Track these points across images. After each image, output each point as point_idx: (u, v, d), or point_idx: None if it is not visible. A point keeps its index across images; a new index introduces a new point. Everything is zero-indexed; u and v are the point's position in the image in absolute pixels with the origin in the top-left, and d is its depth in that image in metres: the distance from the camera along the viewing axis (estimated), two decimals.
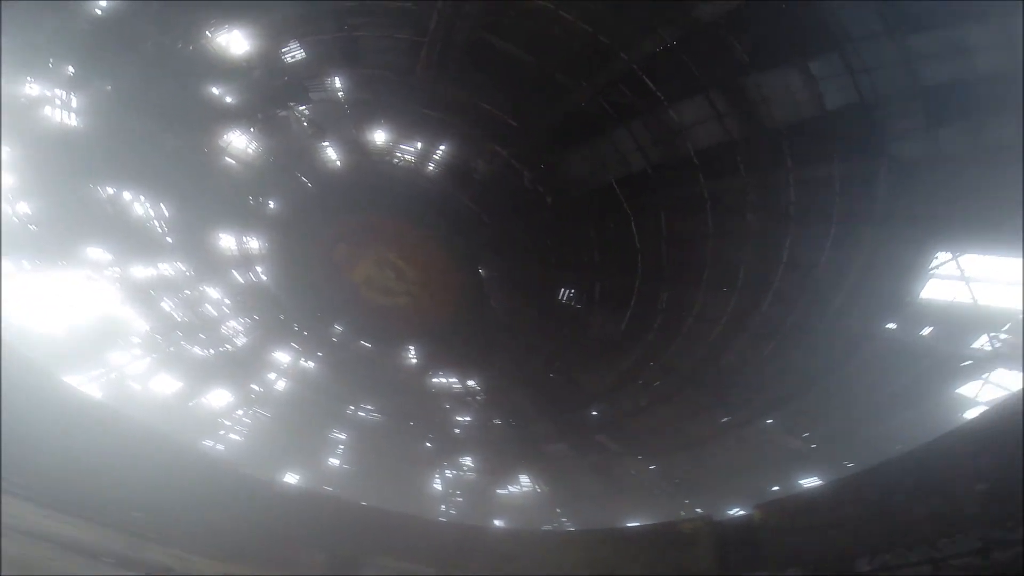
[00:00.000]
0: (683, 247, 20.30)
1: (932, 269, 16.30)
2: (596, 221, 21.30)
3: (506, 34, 17.26)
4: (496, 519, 32.86)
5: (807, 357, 20.60)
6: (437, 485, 36.08)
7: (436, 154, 22.32)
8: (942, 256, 15.92)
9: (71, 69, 18.80)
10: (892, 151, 15.05)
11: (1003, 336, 15.35)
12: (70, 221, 24.14)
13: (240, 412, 34.75)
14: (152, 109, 20.08)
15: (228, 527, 19.79)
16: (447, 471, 35.98)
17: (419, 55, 18.21)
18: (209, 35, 18.23)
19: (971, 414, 16.03)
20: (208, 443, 32.74)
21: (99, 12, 17.29)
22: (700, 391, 24.51)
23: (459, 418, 34.03)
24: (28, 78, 18.66)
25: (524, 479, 33.84)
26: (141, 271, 28.11)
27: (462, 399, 32.98)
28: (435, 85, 19.09)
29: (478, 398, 32.24)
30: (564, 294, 24.75)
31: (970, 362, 16.34)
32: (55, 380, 21.81)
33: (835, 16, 13.27)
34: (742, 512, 19.82)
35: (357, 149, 23.21)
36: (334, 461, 36.10)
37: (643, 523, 24.80)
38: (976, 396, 16.78)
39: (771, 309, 19.83)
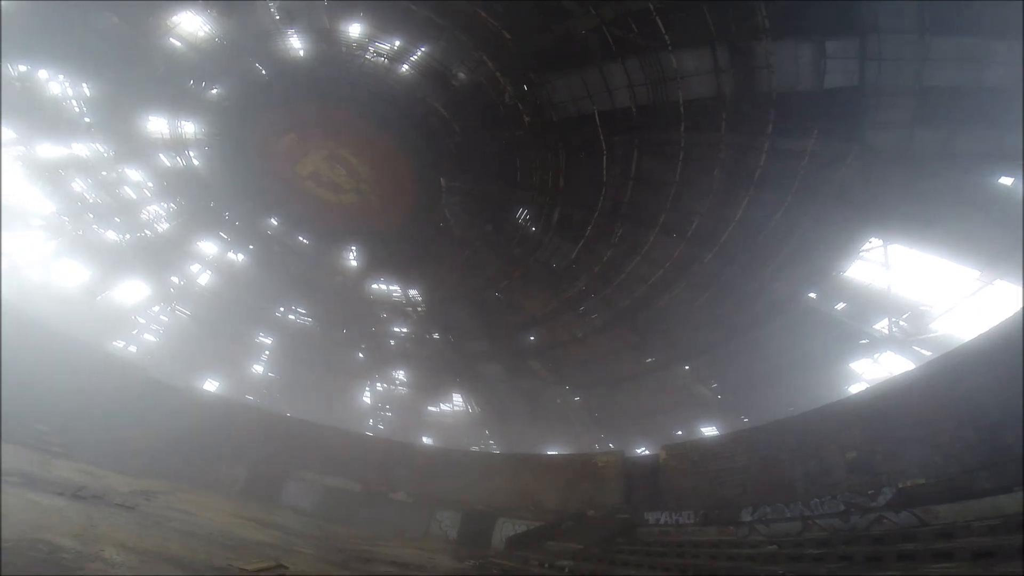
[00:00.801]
0: (647, 189, 20.74)
1: (862, 251, 18.13)
2: (569, 149, 20.96)
3: None
4: (425, 436, 34.34)
5: (734, 312, 22.49)
6: (367, 398, 36.95)
7: (415, 55, 20.39)
8: (874, 241, 17.69)
9: None
10: (868, 138, 16.04)
11: (901, 323, 17.50)
12: None
13: (157, 308, 33.15)
14: None
15: (141, 440, 19.85)
16: (378, 384, 36.91)
17: None
18: None
19: (855, 388, 18.48)
20: (119, 344, 31.37)
21: None
22: (631, 330, 26.18)
23: (396, 329, 34.24)
24: None
25: (456, 398, 35.36)
26: (50, 150, 25.01)
27: (401, 309, 33.02)
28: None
29: (419, 309, 32.48)
30: (521, 214, 24.66)
31: (867, 341, 18.58)
32: None
33: (873, 6, 13.61)
34: (648, 452, 22.59)
35: (327, 39, 20.67)
36: (258, 368, 35.76)
37: (562, 452, 27.33)
38: (863, 373, 19.29)
39: (713, 261, 21.10)
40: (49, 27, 19.36)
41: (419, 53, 20.66)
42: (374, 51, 21.20)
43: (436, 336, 33.65)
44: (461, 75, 20.72)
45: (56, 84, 22.76)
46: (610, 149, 20.07)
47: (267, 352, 35.50)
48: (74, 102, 23.74)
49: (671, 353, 25.68)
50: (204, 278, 32.83)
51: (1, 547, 3.55)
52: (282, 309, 34.46)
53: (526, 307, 28.79)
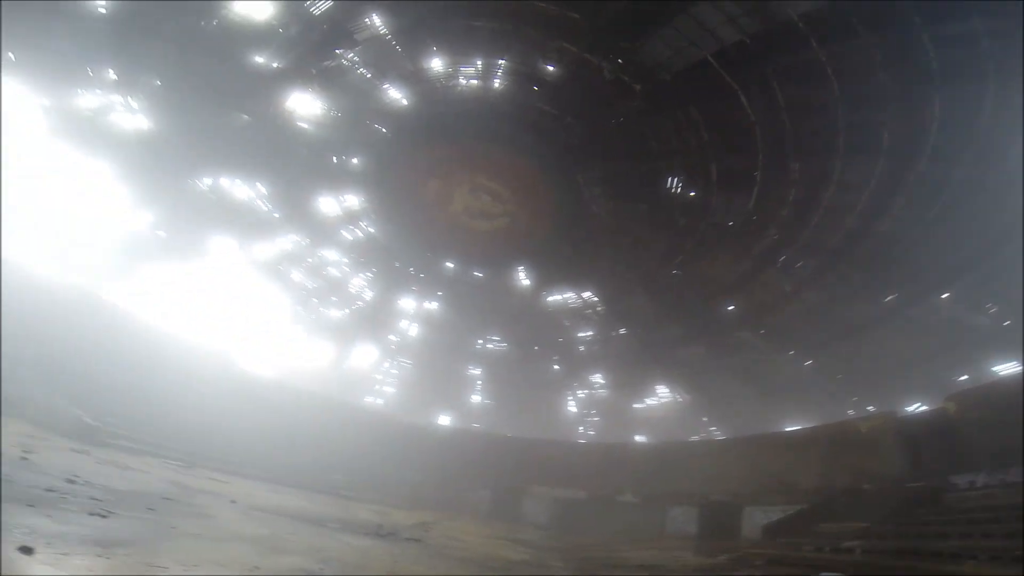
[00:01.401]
0: (807, 115, 18.28)
1: None
2: (697, 100, 19.45)
3: None
4: (637, 435, 33.65)
5: (982, 218, 17.97)
6: (571, 407, 38.14)
7: (498, 66, 21.31)
8: None
9: (112, 73, 20.27)
10: None
11: None
12: (187, 218, 27.69)
13: (386, 365, 39.43)
14: (206, 91, 21.36)
15: (403, 476, 23.40)
16: (579, 391, 37.93)
17: None
18: (227, 7, 18.53)
19: None
20: (369, 399, 37.99)
21: (102, 10, 18.10)
22: (854, 268, 22.51)
23: (581, 334, 35.12)
24: (77, 89, 20.45)
25: (661, 389, 34.47)
26: (264, 249, 31.81)
27: (581, 314, 33.66)
28: None
29: (598, 310, 32.63)
30: (673, 183, 23.28)
31: None
32: (235, 366, 26.28)
33: None
34: (927, 407, 18.73)
35: (418, 81, 22.84)
36: (476, 397, 39.70)
37: (807, 426, 24.52)
38: None
39: (931, 167, 17.39)
40: (200, 137, 23.76)
41: (502, 63, 21.30)
42: (463, 77, 22.53)
43: (623, 331, 33.40)
44: (549, 68, 20.70)
45: (238, 188, 28.18)
46: (743, 87, 18.08)
47: (479, 382, 39.37)
48: (259, 202, 29.29)
49: (916, 284, 21.44)
50: (413, 330, 38.06)
51: None
52: (480, 341, 37.88)
53: (713, 276, 26.81)
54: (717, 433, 31.11)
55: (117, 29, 18.46)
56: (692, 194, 23.27)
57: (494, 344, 38.12)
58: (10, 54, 17.77)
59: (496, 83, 22.11)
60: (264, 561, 4.70)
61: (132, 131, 22.30)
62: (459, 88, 22.72)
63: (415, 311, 37.16)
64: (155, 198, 25.35)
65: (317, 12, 18.75)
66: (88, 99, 21.24)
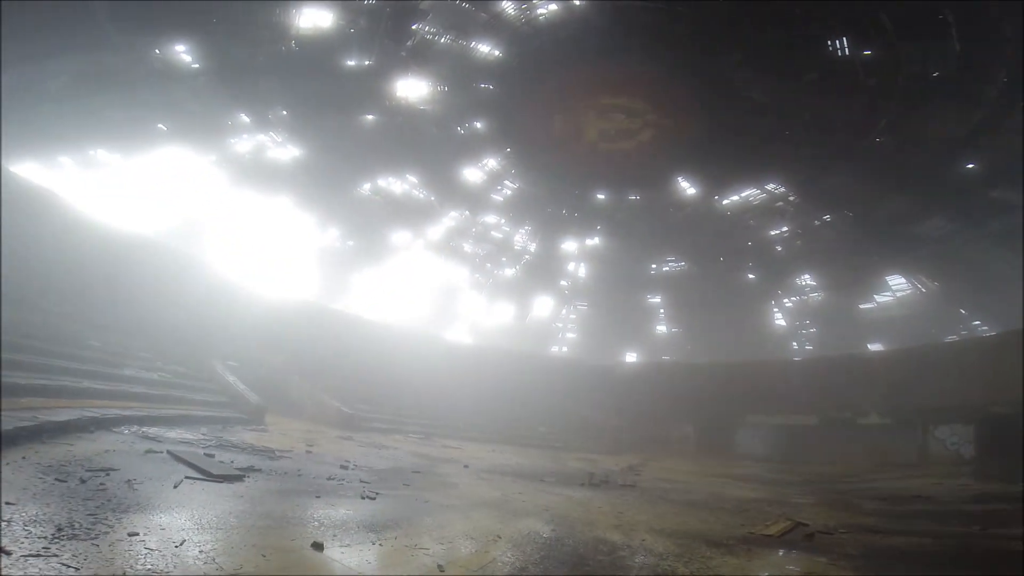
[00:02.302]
0: None
1: None
2: None
3: None
4: (869, 342, 29.05)
5: None
6: (779, 320, 34.80)
7: None
8: None
9: (243, 116, 23.70)
10: None
11: None
12: (362, 222, 31.57)
13: (564, 311, 40.81)
14: (325, 106, 23.92)
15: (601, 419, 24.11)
16: (785, 300, 34.36)
17: None
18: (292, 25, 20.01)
19: None
20: (555, 348, 39.96)
21: (191, 62, 20.33)
22: None
23: (774, 232, 31.35)
24: (228, 139, 24.41)
25: (895, 281, 29.46)
26: (435, 232, 34.92)
27: (769, 209, 30.01)
28: None
29: (790, 199, 28.74)
30: (841, 42, 18.89)
31: None
32: (442, 341, 29.70)
33: None
34: None
35: (500, 28, 21.93)
36: (661, 328, 38.75)
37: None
38: None
39: None
40: (345, 146, 26.18)
41: None
42: (541, 6, 20.77)
43: (828, 218, 29.03)
44: None
45: (392, 184, 31.34)
46: None
47: (661, 310, 38.25)
48: (415, 192, 32.16)
49: None
50: (581, 270, 38.45)
51: (574, 550, 4.75)
52: (654, 266, 36.53)
53: (937, 135, 21.46)
54: (983, 328, 25.72)
55: (220, 78, 21.20)
56: (870, 51, 18.67)
57: (670, 266, 36.36)
58: (161, 125, 21.78)
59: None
60: (505, 528, 5.25)
61: (290, 161, 26.14)
62: (542, 18, 21.44)
63: (579, 252, 37.31)
64: (333, 213, 29.58)
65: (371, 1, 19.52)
66: (241, 144, 25.28)
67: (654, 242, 34.63)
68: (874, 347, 28.15)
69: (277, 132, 25.31)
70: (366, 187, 30.28)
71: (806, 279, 32.62)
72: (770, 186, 28.85)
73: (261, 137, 25.57)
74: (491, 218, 35.32)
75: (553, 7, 21.11)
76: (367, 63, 22.03)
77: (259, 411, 13.83)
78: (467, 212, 34.25)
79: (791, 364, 25.28)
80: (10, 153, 16.67)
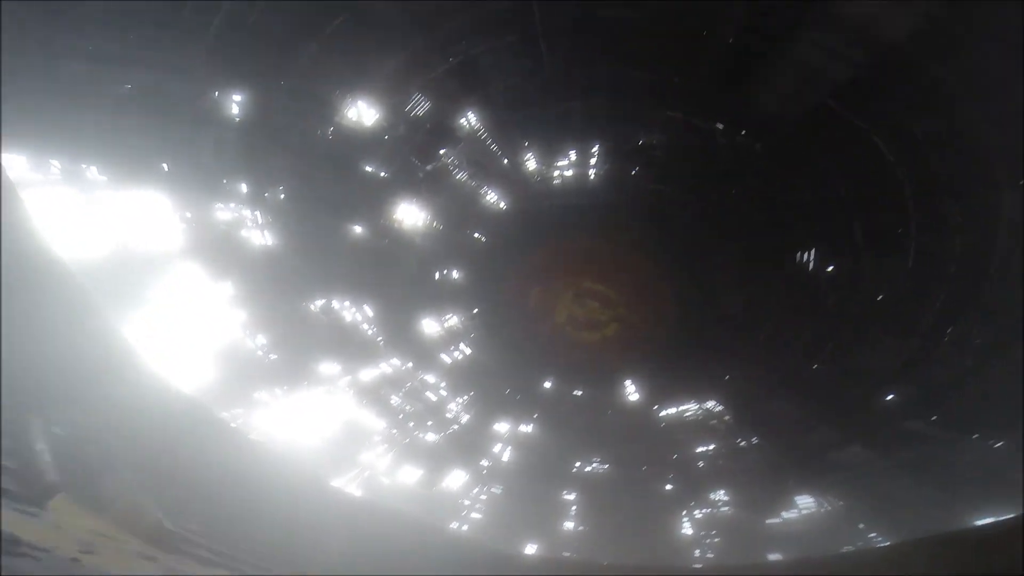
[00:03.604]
0: (952, 147, 15.69)
1: None
2: (826, 150, 17.32)
3: None
4: (771, 553, 26.54)
5: None
6: (687, 529, 31.24)
7: (598, 149, 20.39)
8: None
9: (243, 187, 20.76)
10: None
11: None
12: (299, 341, 26.97)
13: (476, 490, 34.85)
14: (324, 202, 21.81)
15: None
16: (696, 511, 31.08)
17: (535, 53, 17.29)
18: (341, 111, 19.28)
19: None
20: (454, 525, 33.04)
21: (236, 113, 18.68)
22: None
23: (701, 448, 29.52)
24: (217, 204, 20.73)
25: (803, 500, 27.37)
26: (368, 374, 30.33)
27: (703, 425, 28.60)
28: (568, 72, 17.65)
29: (725, 419, 27.37)
30: (810, 255, 19.85)
31: None
32: (325, 485, 23.05)
33: None
34: None
35: (515, 181, 22.42)
36: (568, 524, 33.79)
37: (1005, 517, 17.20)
38: None
39: None
40: (315, 254, 23.29)
41: (602, 145, 20.20)
42: (561, 167, 21.54)
43: (755, 441, 27.59)
44: (657, 141, 19.45)
45: (346, 311, 27.52)
46: (873, 127, 15.93)
47: (574, 507, 33.54)
48: (364, 325, 28.46)
49: None
50: (506, 455, 33.72)
51: None
52: (579, 463, 32.80)
53: (870, 365, 21.88)
54: (877, 539, 23.65)
55: (249, 138, 19.33)
56: (833, 267, 19.90)
57: (593, 466, 32.85)
58: (164, 165, 18.72)
59: (594, 170, 21.13)
60: None
61: (258, 248, 22.64)
62: (557, 181, 21.93)
63: (508, 434, 33.40)
64: (272, 321, 25.03)
65: (420, 112, 19.38)
66: (224, 212, 21.91)
67: (586, 441, 31.63)
68: (774, 557, 25.43)
69: (264, 213, 22.22)
70: (318, 303, 26.53)
71: (720, 493, 29.76)
72: (709, 404, 27.77)
73: (246, 212, 22.51)
74: (432, 378, 31.58)
75: (570, 173, 21.53)
76: (383, 174, 20.85)
77: (46, 489, 8.89)
78: (410, 364, 30.52)
79: (693, 572, 21.03)
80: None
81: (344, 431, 31.57)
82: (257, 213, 21.96)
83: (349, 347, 28.94)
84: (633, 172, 19.97)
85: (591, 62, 16.89)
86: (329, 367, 29.27)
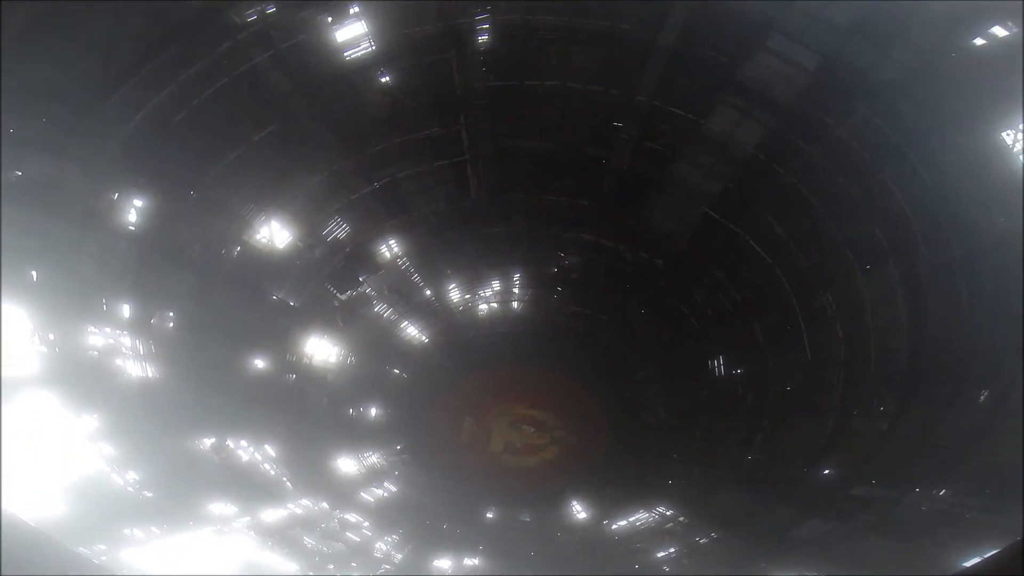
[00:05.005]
0: (812, 240, 18.37)
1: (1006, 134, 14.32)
2: (717, 260, 19.48)
3: (529, 128, 17.75)
4: None
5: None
6: None
7: (519, 274, 21.20)
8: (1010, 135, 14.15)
9: (127, 309, 17.72)
10: (881, 79, 14.66)
11: None
12: (183, 480, 22.91)
13: None
14: (220, 332, 19.44)
15: None
16: None
17: (462, 179, 18.38)
18: (252, 229, 17.79)
19: None
20: None
21: (133, 221, 16.47)
22: (934, 381, 19.72)
23: (662, 554, 28.91)
24: (90, 327, 17.22)
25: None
26: (272, 514, 26.61)
27: (658, 531, 28.19)
28: (491, 199, 18.87)
29: (680, 520, 27.38)
30: (722, 359, 21.42)
31: None
32: None
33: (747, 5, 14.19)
34: None
35: (438, 312, 22.32)
36: None
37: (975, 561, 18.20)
38: None
39: (935, 252, 16.71)
40: (207, 389, 20.44)
41: (523, 271, 21.10)
42: (484, 296, 22.00)
43: (714, 535, 27.71)
44: (572, 262, 20.81)
45: (243, 451, 23.88)
46: (748, 232, 18.53)
47: None
48: (266, 465, 24.78)
49: (1003, 370, 18.73)
50: None
51: None
52: None
53: (797, 447, 23.31)
54: None
55: (143, 250, 16.88)
56: (744, 367, 21.49)
57: None
58: (33, 272, 15.28)
59: (520, 294, 21.74)
60: None
61: (136, 380, 19.17)
62: (479, 312, 22.18)
63: (452, 569, 30.54)
64: (146, 456, 21.06)
65: (338, 235, 18.86)
66: (96, 338, 17.76)
67: (540, 565, 29.82)
68: None
69: (147, 341, 19.15)
70: (208, 442, 23.24)
71: None
72: (660, 509, 27.82)
73: (125, 339, 18.74)
74: (354, 517, 28.55)
75: (494, 302, 21.80)
76: (292, 302, 19.55)
77: None
78: (324, 504, 27.45)
79: None
80: None
81: (244, 571, 26.78)
82: (139, 341, 19.11)
83: (247, 488, 25.43)
84: (554, 296, 21.13)
85: (512, 188, 18.29)
86: (221, 508, 25.47)
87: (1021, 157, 13.83)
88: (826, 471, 23.00)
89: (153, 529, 22.63)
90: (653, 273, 19.52)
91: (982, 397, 19.54)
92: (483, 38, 15.60)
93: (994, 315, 17.12)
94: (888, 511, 22.79)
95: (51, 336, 17.02)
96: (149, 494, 22.21)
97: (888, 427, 21.23)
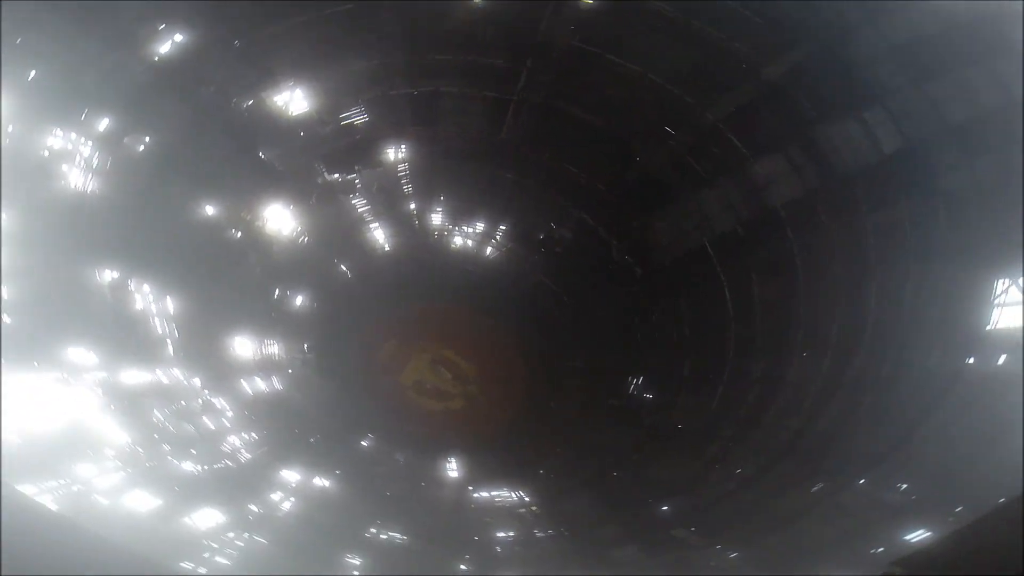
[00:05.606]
0: (775, 311, 19.71)
1: (997, 297, 16.23)
2: (688, 292, 20.41)
3: (588, 99, 17.62)
4: None
5: (901, 407, 19.66)
6: None
7: (507, 225, 20.83)
8: (1004, 283, 15.93)
9: (106, 122, 16.72)
10: (944, 186, 15.70)
11: None
12: (55, 312, 20.14)
13: (232, 534, 29.44)
14: (189, 171, 18.15)
15: None
16: None
17: (500, 117, 18.11)
18: (272, 91, 17.18)
19: None
20: (187, 565, 27.37)
21: (159, 57, 15.76)
22: (795, 464, 23.01)
23: (502, 534, 30.49)
24: (56, 128, 16.27)
25: None
26: (132, 376, 24.06)
27: (510, 513, 29.63)
28: (519, 146, 18.62)
29: (533, 509, 29.07)
30: (646, 379, 22.87)
31: None
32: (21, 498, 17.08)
33: (870, 71, 14.57)
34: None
35: (412, 228, 21.59)
36: None
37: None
38: None
39: (866, 361, 19.05)
40: (142, 223, 19.37)
41: (512, 223, 21.09)
42: (468, 230, 21.71)
43: (550, 532, 29.79)
44: (562, 237, 20.82)
45: (141, 297, 22.26)
46: (729, 280, 19.49)
47: (356, 572, 30.83)
48: (158, 320, 23.14)
49: (844, 473, 22.48)
50: (287, 505, 29.57)
51: None
52: (373, 529, 30.59)
53: (661, 478, 25.79)
54: None
55: (154, 80, 16.00)
56: (661, 393, 22.81)
57: (389, 534, 30.94)
58: (32, 71, 13.95)
59: (501, 241, 21.55)
60: None
61: (70, 190, 17.10)
62: (452, 243, 21.75)
63: (298, 485, 29.52)
64: (32, 274, 18.26)
65: (355, 122, 18.03)
66: (56, 140, 16.62)
67: (386, 506, 30.00)
68: None
69: (106, 157, 17.42)
70: (110, 276, 20.21)
71: None
72: (521, 493, 29.04)
73: (84, 149, 17.22)
74: (221, 403, 26.53)
75: (471, 243, 20.81)
76: (278, 166, 18.62)
77: None
78: (196, 381, 25.10)
79: None
80: None
81: (64, 432, 23.83)
82: (99, 155, 16.90)
83: (123, 339, 22.85)
84: (530, 260, 21.25)
85: (542, 143, 17.94)
86: (80, 355, 22.71)
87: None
88: (664, 507, 25.78)
89: None
90: (629, 277, 19.98)
91: (816, 487, 23.40)
92: None
93: (876, 429, 20.24)
94: (688, 557, 26.10)
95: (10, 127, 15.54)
96: (7, 319, 19.23)
97: (735, 488, 24.29)
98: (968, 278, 16.51)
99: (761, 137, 16.30)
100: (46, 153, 16.55)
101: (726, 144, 16.51)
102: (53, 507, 19.91)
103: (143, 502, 25.95)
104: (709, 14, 14.25)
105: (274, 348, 24.19)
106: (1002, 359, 16.96)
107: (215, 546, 28.42)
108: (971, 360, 17.58)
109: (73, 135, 16.73)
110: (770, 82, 14.88)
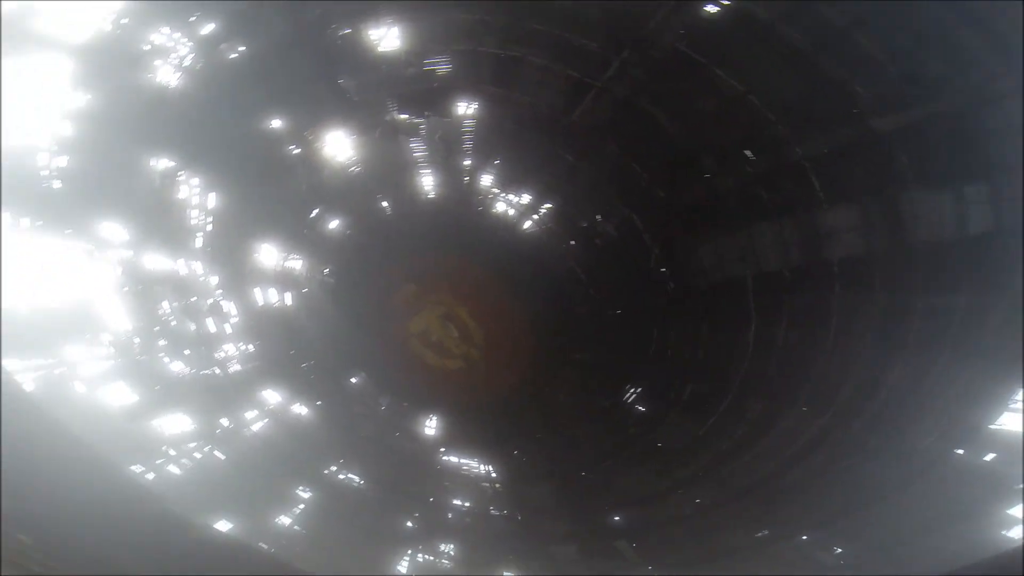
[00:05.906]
0: (792, 361, 19.61)
1: (1013, 402, 15.90)
2: (714, 320, 20.35)
3: (674, 104, 17.44)
4: None
5: (874, 477, 19.53)
6: (403, 568, 31.80)
7: (554, 204, 21.05)
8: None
9: (211, 27, 16.92)
10: (1011, 284, 14.63)
11: None
12: (102, 186, 20.69)
13: (192, 445, 29.56)
14: (269, 83, 18.34)
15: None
16: (420, 555, 31.92)
17: (577, 100, 18.01)
18: (369, 26, 17.33)
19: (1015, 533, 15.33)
20: (137, 468, 27.46)
21: None
22: (750, 505, 23.47)
23: (458, 501, 30.77)
24: (164, 27, 16.64)
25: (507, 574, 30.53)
26: (155, 261, 24.32)
27: (473, 484, 29.99)
28: (588, 131, 18.52)
29: (496, 486, 29.44)
30: (646, 390, 23.24)
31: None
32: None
33: (994, 145, 13.46)
34: None
35: (460, 185, 21.82)
36: (285, 519, 31.06)
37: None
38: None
39: (861, 431, 19.19)
40: (209, 123, 19.78)
41: (558, 205, 21.12)
42: (515, 199, 21.80)
43: (504, 512, 30.11)
44: (606, 231, 20.77)
45: (188, 188, 22.64)
46: (760, 319, 19.36)
47: (301, 505, 31.09)
48: (196, 211, 23.47)
49: (794, 525, 22.94)
50: (257, 426, 29.76)
51: None
52: (334, 467, 30.82)
53: (624, 488, 26.21)
54: None
55: None
56: (655, 407, 22.97)
57: (347, 476, 31.23)
58: None
59: (544, 221, 21.79)
60: None
61: (155, 84, 17.60)
62: (496, 208, 21.97)
63: (275, 407, 29.78)
64: (92, 150, 18.67)
65: (439, 71, 18.14)
66: (159, 36, 16.99)
67: (356, 451, 30.33)
68: None
69: (196, 56, 17.83)
70: (162, 162, 20.54)
71: (450, 548, 31.41)
72: (489, 467, 29.24)
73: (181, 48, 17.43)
74: (229, 306, 26.66)
75: (513, 212, 20.85)
76: (352, 95, 19.04)
77: None
78: (214, 279, 25.38)
79: None
80: None
81: (71, 309, 24.19)
82: (190, 57, 17.39)
83: (156, 222, 23.13)
84: (566, 245, 21.46)
85: (611, 135, 17.86)
86: (112, 230, 22.95)
87: None
88: (617, 517, 26.23)
89: (24, 221, 19.81)
90: (660, 289, 19.95)
91: (760, 533, 23.73)
92: (711, 8, 14.64)
93: (840, 491, 20.10)
94: (618, 569, 26.40)
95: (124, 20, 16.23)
96: (58, 184, 19.57)
97: (688, 514, 24.51)
98: (994, 376, 16.12)
99: (843, 185, 15.66)
100: (148, 47, 17.22)
101: (804, 183, 15.96)
102: (29, 387, 20.10)
103: (119, 395, 26.22)
104: (844, 53, 13.64)
105: (297, 264, 24.37)
106: (990, 456, 17.16)
107: (172, 454, 28.57)
108: (960, 451, 17.65)
109: (177, 35, 17.46)
110: (876, 131, 14.19)
